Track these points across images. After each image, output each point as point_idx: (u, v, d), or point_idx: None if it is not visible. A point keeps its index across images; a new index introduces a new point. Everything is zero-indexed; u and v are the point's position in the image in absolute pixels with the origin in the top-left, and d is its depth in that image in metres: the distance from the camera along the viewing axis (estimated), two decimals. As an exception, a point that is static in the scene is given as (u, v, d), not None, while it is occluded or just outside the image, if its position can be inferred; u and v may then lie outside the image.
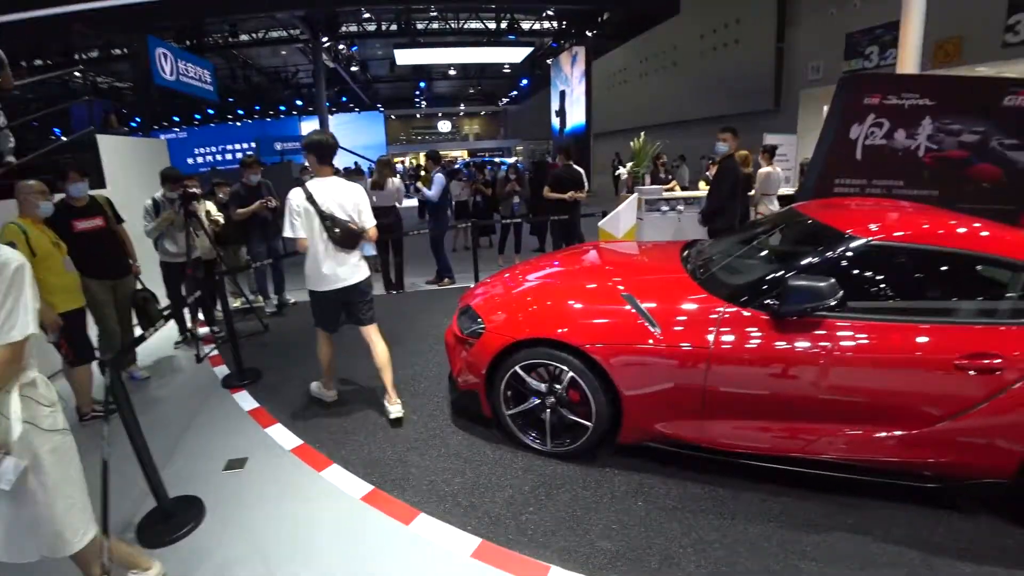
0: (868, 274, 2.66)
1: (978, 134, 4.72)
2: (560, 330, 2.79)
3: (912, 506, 2.57)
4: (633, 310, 2.74)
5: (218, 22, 18.65)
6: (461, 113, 46.40)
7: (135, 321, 4.24)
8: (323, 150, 3.25)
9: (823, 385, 2.48)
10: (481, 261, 7.06)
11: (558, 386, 2.89)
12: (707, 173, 9.72)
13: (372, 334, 3.53)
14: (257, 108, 31.40)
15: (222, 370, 4.45)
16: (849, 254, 2.56)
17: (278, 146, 14.01)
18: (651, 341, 2.63)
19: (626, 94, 24.55)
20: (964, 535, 2.42)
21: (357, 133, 30.60)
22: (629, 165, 11.86)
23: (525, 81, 31.77)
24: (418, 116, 45.60)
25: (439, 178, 6.74)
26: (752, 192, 7.66)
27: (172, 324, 5.11)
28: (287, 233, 3.24)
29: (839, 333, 2.45)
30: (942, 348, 2.36)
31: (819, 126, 15.64)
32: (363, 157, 22.20)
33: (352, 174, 9.03)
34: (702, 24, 18.37)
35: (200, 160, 25.24)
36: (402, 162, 28.03)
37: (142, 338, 3.18)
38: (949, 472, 2.47)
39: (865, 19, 13.23)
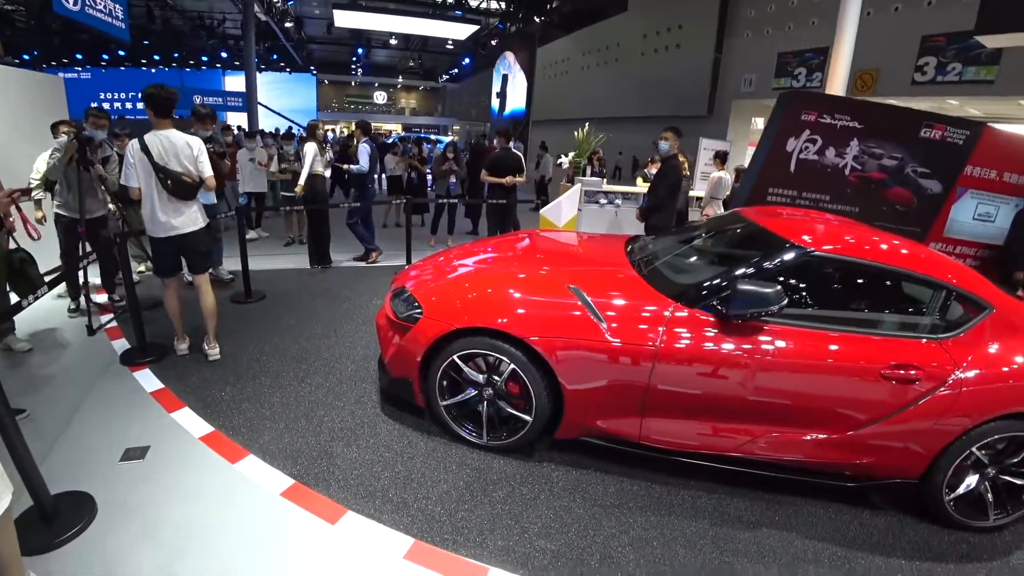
0: (808, 283, 2.76)
1: (896, 160, 5.09)
2: (502, 320, 2.67)
3: (832, 503, 2.73)
4: (580, 303, 2.67)
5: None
6: (399, 86, 44.93)
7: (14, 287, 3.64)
8: (161, 103, 3.37)
9: (761, 388, 2.53)
10: (412, 240, 6.77)
11: (497, 377, 2.78)
12: (646, 171, 9.94)
13: (203, 283, 3.74)
14: (176, 55, 28.69)
15: (122, 344, 3.94)
16: (793, 262, 2.63)
17: (198, 99, 12.84)
18: (598, 336, 2.57)
19: (566, 85, 24.69)
20: (876, 529, 2.61)
21: (286, 95, 28.73)
22: (571, 155, 11.96)
23: (467, 60, 31.19)
24: (353, 84, 43.67)
25: (364, 147, 6.41)
26: (692, 192, 7.91)
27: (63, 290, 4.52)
28: (122, 181, 3.46)
29: (779, 338, 2.51)
30: (870, 358, 2.48)
31: (748, 135, 16.62)
32: (294, 122, 20.94)
33: (283, 139, 8.39)
34: (646, 25, 18.74)
35: (107, 107, 22.71)
36: (332, 130, 26.60)
37: (18, 306, 2.69)
38: (866, 472, 2.62)
39: (796, 42, 14.05)
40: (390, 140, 12.90)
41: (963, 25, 7.22)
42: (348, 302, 5.11)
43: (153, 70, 27.83)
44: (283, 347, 3.97)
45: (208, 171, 3.56)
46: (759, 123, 16.74)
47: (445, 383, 2.87)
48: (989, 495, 2.60)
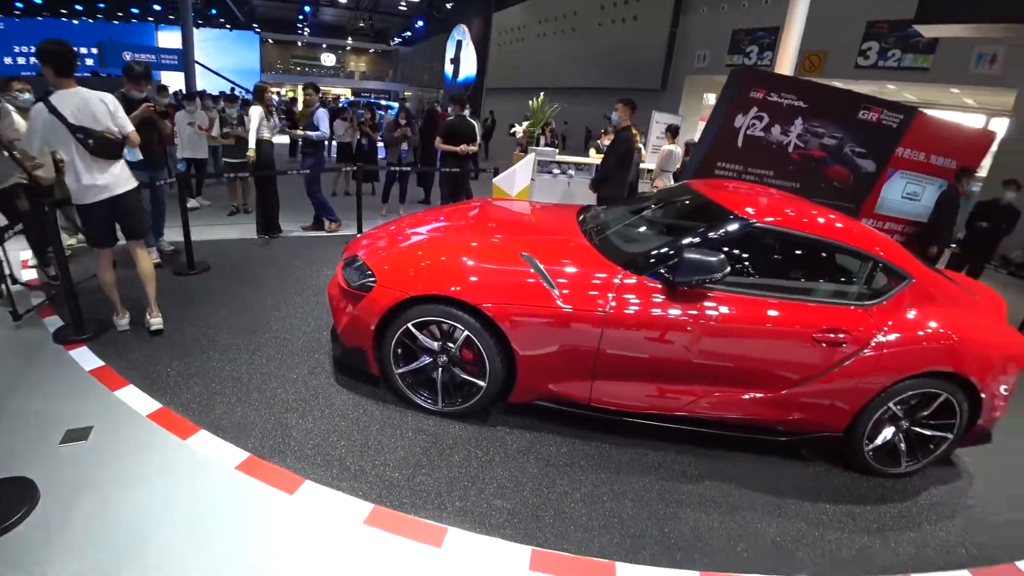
0: (750, 252, 2.91)
1: (836, 139, 5.36)
2: (456, 287, 2.70)
3: (767, 456, 2.97)
4: (533, 271, 2.72)
5: None
6: (348, 48, 43.04)
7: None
8: (62, 60, 3.12)
9: (704, 351, 2.68)
10: (363, 209, 6.64)
11: (451, 344, 2.82)
12: (599, 142, 10.02)
13: (138, 249, 3.57)
14: (101, 6, 26.40)
15: (56, 323, 3.71)
16: (736, 233, 2.76)
17: (127, 56, 11.94)
18: (551, 303, 2.64)
19: (521, 53, 24.35)
20: (806, 478, 2.87)
21: (226, 54, 27.08)
22: (525, 124, 11.90)
23: (420, 23, 30.15)
24: (299, 44, 41.54)
25: (323, 112, 6.18)
26: (643, 164, 8.05)
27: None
28: (29, 150, 3.29)
29: (722, 304, 2.65)
30: (805, 323, 2.66)
31: (700, 110, 16.95)
32: (236, 83, 19.81)
33: (227, 100, 7.93)
34: (603, -6, 18.61)
35: (22, 61, 20.79)
36: (277, 93, 25.33)
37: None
38: (797, 427, 2.84)
39: (750, 20, 14.33)
40: (341, 104, 12.43)
41: (905, 14, 7.57)
42: (298, 272, 5.00)
43: (75, 21, 25.57)
44: (232, 319, 3.86)
45: (129, 126, 3.37)
46: (711, 99, 17.07)
47: (400, 351, 2.89)
48: (902, 445, 2.89)
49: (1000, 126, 10.57)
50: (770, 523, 2.50)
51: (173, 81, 17.11)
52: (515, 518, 2.30)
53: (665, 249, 2.73)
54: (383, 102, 25.62)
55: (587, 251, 2.96)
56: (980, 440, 2.99)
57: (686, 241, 2.75)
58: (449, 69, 22.77)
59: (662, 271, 2.67)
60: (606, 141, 9.81)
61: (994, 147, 7.25)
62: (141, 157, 3.86)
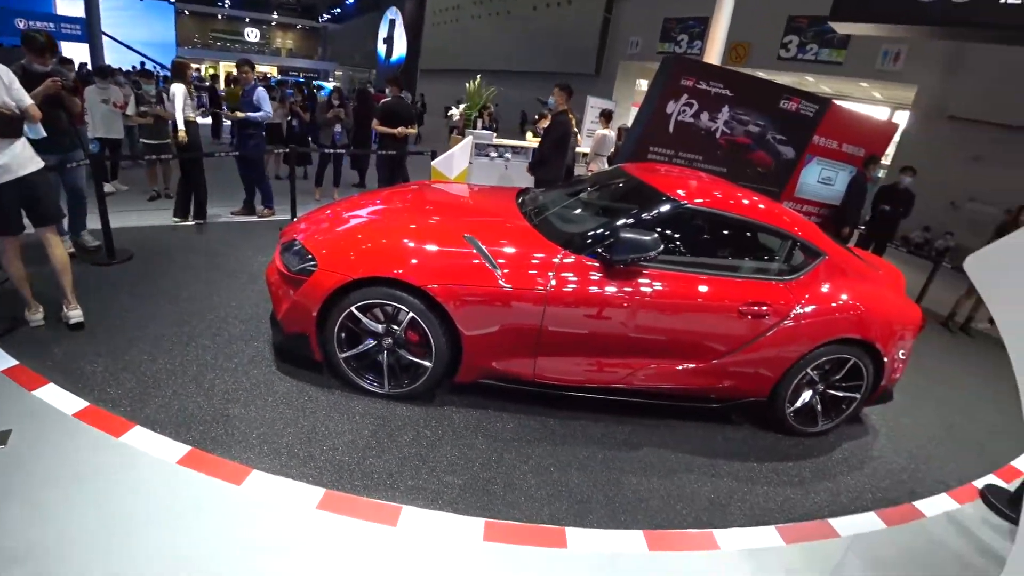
0: (681, 232, 3.08)
1: (760, 127, 5.69)
2: (398, 270, 2.70)
3: (700, 423, 3.20)
4: (475, 251, 2.76)
5: None
6: (273, 23, 40.79)
7: None
8: None
9: (640, 326, 2.83)
10: (297, 194, 6.38)
11: (396, 327, 2.82)
12: (536, 126, 10.11)
13: (49, 235, 3.29)
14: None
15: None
16: (669, 214, 2.92)
17: (21, 24, 10.80)
18: (493, 283, 2.69)
19: (455, 33, 24.00)
20: (735, 441, 3.13)
21: (136, 25, 24.80)
22: (462, 107, 11.81)
23: None
24: (220, 17, 38.94)
25: (263, 91, 5.91)
26: (579, 148, 8.19)
27: None
28: None
29: (656, 281, 2.80)
30: (731, 297, 2.86)
31: (632, 96, 17.36)
32: (148, 58, 18.41)
33: (142, 76, 7.37)
34: (538, -24, 18.59)
35: None
36: (197, 70, 23.70)
37: None
38: (727, 394, 3.07)
39: (682, 9, 14.77)
40: (269, 84, 11.84)
41: (822, 10, 8.09)
42: (230, 259, 4.78)
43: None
44: (161, 310, 3.66)
45: (27, 99, 3.10)
46: (643, 84, 17.54)
47: (343, 335, 2.86)
48: (818, 406, 3.18)
49: (902, 118, 11.59)
50: (705, 483, 2.71)
51: (76, 53, 15.60)
52: (467, 493, 2.36)
53: (602, 229, 2.85)
54: (313, 81, 24.56)
55: (527, 232, 3.02)
56: (883, 399, 3.36)
57: (622, 221, 2.87)
58: (382, 49, 22.10)
59: (600, 250, 2.78)
60: (543, 125, 9.90)
61: (897, 137, 7.93)
62: (45, 134, 3.53)
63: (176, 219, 5.73)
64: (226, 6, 35.52)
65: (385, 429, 2.71)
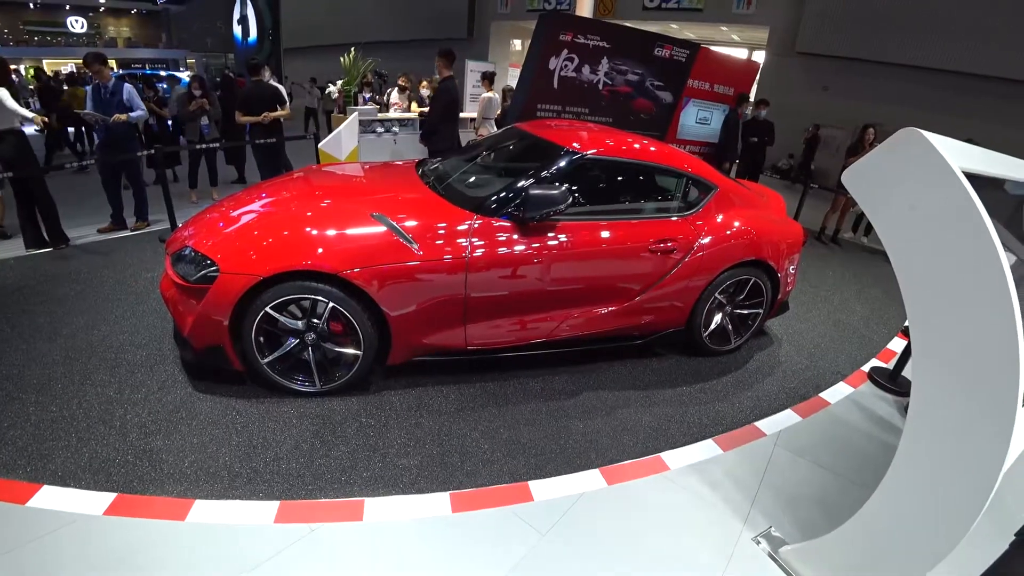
0: (583, 182, 3.16)
1: (638, 75, 5.94)
2: (307, 260, 2.55)
3: (628, 360, 3.42)
4: (387, 229, 2.68)
5: None
6: (102, 9, 35.75)
7: None
8: None
9: (559, 277, 2.91)
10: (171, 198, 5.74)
11: (317, 320, 2.70)
12: (422, 92, 9.84)
13: None
14: None
15: None
16: (570, 166, 2.99)
17: None
18: (411, 258, 2.63)
19: (320, 6, 22.51)
20: (663, 371, 3.37)
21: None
22: (340, 83, 11.20)
23: (189, -22, 26.14)
24: (33, 7, 33.50)
25: (130, 87, 5.25)
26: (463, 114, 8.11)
27: None
28: None
29: (568, 232, 2.88)
30: (639, 238, 3.02)
31: (509, 57, 17.30)
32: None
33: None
34: (397, -61, 17.77)
35: None
36: (16, 71, 20.38)
37: None
38: (649, 330, 3.28)
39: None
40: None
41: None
42: (107, 282, 4.26)
43: None
44: (40, 351, 3.21)
45: None
46: (517, 44, 17.52)
47: (262, 339, 2.68)
48: (729, 326, 3.49)
49: (760, 57, 12.69)
50: (644, 413, 2.91)
51: None
52: (425, 471, 2.37)
53: (510, 190, 2.86)
54: (162, 72, 22.00)
55: (436, 202, 2.97)
56: (782, 310, 3.75)
57: (528, 179, 2.90)
58: (238, 30, 20.21)
59: (511, 209, 2.80)
60: (425, 91, 9.65)
61: (758, 75, 8.64)
62: None
63: (31, 251, 4.98)
64: (39, -6, 30.64)
65: (327, 427, 2.62)
